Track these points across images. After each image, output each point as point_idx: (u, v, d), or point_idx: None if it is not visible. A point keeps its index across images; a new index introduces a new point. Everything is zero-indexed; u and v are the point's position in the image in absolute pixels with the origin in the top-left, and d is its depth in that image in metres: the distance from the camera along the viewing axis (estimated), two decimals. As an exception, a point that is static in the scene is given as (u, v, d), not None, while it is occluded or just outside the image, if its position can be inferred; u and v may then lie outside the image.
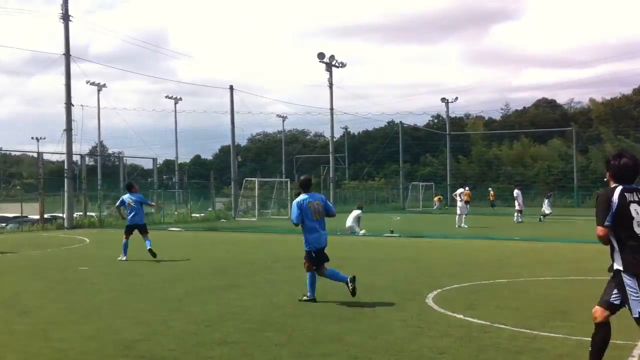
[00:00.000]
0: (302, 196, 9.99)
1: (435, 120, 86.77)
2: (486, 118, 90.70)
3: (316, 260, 9.90)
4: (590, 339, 5.58)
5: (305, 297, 9.82)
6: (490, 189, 32.75)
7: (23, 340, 7.31)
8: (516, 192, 33.31)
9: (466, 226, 28.36)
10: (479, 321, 8.18)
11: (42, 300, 10.00)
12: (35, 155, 35.71)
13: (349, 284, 9.61)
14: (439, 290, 10.64)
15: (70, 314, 8.81)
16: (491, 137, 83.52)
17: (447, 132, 68.41)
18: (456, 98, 67.93)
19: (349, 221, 24.90)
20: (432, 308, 9.14)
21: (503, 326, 7.88)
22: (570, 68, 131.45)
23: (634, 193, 5.34)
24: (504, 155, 79.37)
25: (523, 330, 7.67)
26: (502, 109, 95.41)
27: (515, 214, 32.65)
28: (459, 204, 29.79)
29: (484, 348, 6.83)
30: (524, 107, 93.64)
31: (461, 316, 8.50)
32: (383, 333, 7.56)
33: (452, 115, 72.29)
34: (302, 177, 10.84)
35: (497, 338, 7.28)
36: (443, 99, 66.96)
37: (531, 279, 12.06)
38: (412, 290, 10.76)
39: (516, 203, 32.86)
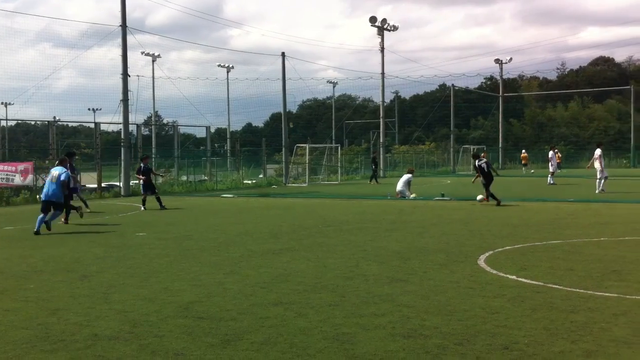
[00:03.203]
0: None
1: (488, 82, 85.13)
2: (541, 78, 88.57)
3: None
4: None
5: None
6: (556, 151, 32.24)
7: (85, 303, 7.59)
8: (551, 153, 32.80)
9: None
10: (532, 282, 8.15)
11: (102, 265, 10.36)
12: (92, 126, 36.52)
13: None
14: (490, 252, 10.61)
15: (129, 278, 9.11)
16: (546, 98, 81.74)
17: (500, 94, 67.14)
18: (510, 59, 66.67)
19: (400, 185, 24.86)
20: (484, 269, 9.14)
21: (556, 286, 7.85)
22: (630, 25, 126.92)
23: None
24: (558, 116, 77.67)
25: (577, 290, 7.62)
26: (557, 68, 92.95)
27: (549, 175, 32.17)
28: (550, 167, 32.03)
29: (537, 307, 6.83)
30: (580, 67, 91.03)
31: (514, 277, 8.48)
32: (435, 294, 7.61)
33: (506, 77, 70.84)
34: None
35: (551, 298, 7.25)
36: (497, 60, 65.74)
37: (585, 240, 11.90)
38: (464, 252, 10.75)
39: (550, 165, 32.43)
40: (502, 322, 6.29)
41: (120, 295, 7.96)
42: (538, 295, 7.40)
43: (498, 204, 19.87)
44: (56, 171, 15.84)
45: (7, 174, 27.16)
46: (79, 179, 21.57)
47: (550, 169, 32.58)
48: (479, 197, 20.79)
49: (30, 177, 27.69)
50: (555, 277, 8.39)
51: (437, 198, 23.47)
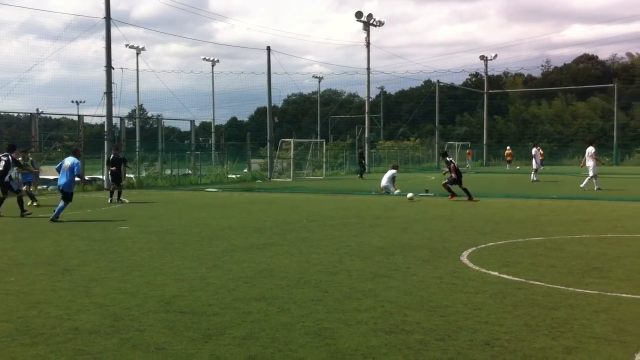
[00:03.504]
0: None
1: (473, 79, 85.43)
2: (525, 75, 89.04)
3: None
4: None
5: None
6: (539, 148, 32.39)
7: (66, 296, 7.53)
8: (534, 150, 33.09)
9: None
10: (514, 278, 8.20)
11: (84, 258, 10.28)
12: (75, 118, 36.24)
13: None
14: (473, 249, 10.66)
15: (111, 272, 9.05)
16: (530, 95, 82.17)
17: (485, 91, 67.41)
18: (495, 56, 66.83)
19: (384, 181, 24.91)
20: (467, 265, 9.18)
21: (538, 283, 7.90)
22: (614, 23, 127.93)
23: None
24: (542, 113, 78.15)
25: (558, 287, 7.67)
26: (542, 65, 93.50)
27: (532, 172, 32.46)
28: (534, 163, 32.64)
29: (519, 304, 6.87)
30: (565, 64, 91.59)
31: (496, 273, 8.53)
32: (418, 289, 7.63)
33: (491, 74, 71.09)
34: None
35: (532, 294, 7.30)
36: (482, 57, 65.87)
37: (567, 237, 11.99)
38: (447, 248, 10.79)
39: (533, 162, 32.76)
40: (483, 318, 6.33)
41: (101, 289, 7.91)
42: (519, 292, 7.44)
43: (452, 197, 20.98)
44: (69, 161, 16.21)
45: (-12, 166, 26.79)
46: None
47: (534, 166, 32.84)
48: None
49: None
50: (537, 274, 8.44)
51: (421, 194, 23.52)
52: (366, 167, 40.48)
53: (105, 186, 30.41)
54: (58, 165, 16.88)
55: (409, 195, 21.47)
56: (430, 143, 64.84)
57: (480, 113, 69.70)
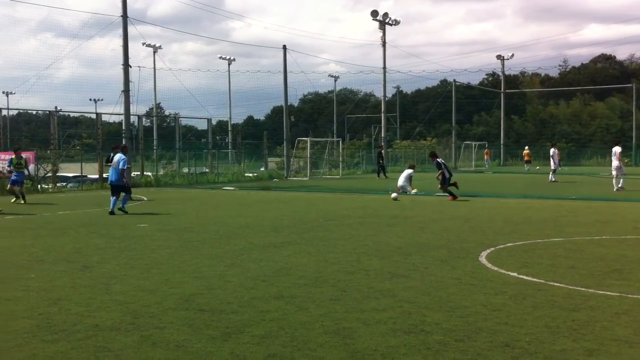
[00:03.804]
0: None
1: (490, 79, 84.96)
2: (542, 75, 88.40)
3: None
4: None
5: None
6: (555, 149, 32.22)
7: (86, 293, 7.59)
8: (552, 150, 32.84)
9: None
10: (534, 279, 8.15)
11: (103, 255, 10.36)
12: (93, 116, 36.54)
13: None
14: (492, 249, 10.61)
15: (130, 269, 9.11)
16: (548, 95, 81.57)
17: (502, 90, 67.04)
18: (512, 55, 66.48)
19: (401, 180, 24.85)
20: (486, 266, 9.13)
21: (558, 284, 7.84)
22: (632, 23, 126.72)
23: None
24: (560, 113, 77.53)
25: (578, 288, 7.61)
26: (559, 65, 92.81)
27: (550, 173, 32.23)
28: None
29: (539, 305, 6.82)
30: (582, 64, 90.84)
31: (515, 274, 8.48)
32: (436, 290, 7.61)
33: (508, 73, 70.68)
34: None
35: (552, 296, 7.25)
36: (498, 56, 65.53)
37: (586, 238, 11.89)
38: (465, 248, 10.75)
39: (551, 162, 32.53)
40: (503, 319, 6.29)
41: (121, 286, 7.96)
42: (539, 293, 7.40)
43: (441, 191, 21.49)
44: (117, 157, 17.44)
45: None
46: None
47: (552, 166, 32.61)
48: (394, 194, 21.70)
49: (31, 166, 27.66)
50: (557, 275, 8.39)
51: (438, 194, 23.43)
52: (383, 166, 40.39)
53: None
54: (107, 158, 18.69)
55: (393, 195, 21.44)
56: (447, 143, 64.56)
57: (497, 113, 69.35)
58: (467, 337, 5.70)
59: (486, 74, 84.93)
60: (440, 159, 22.34)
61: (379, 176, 38.70)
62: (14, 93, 58.37)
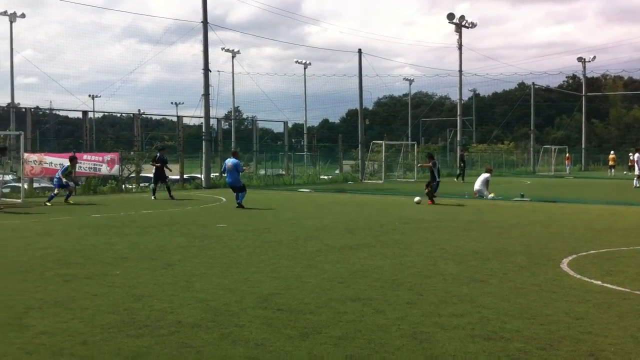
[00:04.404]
0: None
1: (570, 81, 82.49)
2: (626, 78, 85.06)
3: None
4: None
5: None
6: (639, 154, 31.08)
7: (168, 290, 7.82)
8: (637, 156, 31.50)
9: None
10: (619, 288, 7.88)
11: (184, 254, 10.65)
12: (174, 119, 37.57)
13: None
14: (574, 256, 10.31)
15: (210, 268, 9.33)
16: (632, 99, 78.53)
17: (583, 93, 64.97)
18: (594, 57, 64.28)
19: (477, 184, 24.47)
20: (567, 273, 8.88)
21: (645, 294, 7.55)
22: None
23: None
24: (646, 117, 74.47)
25: (667, 298, 7.31)
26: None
27: (635, 179, 30.96)
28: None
29: (625, 315, 6.59)
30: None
31: (599, 282, 8.21)
32: (516, 296, 7.46)
33: (589, 76, 68.41)
34: None
35: (639, 305, 6.99)
36: (579, 59, 63.56)
37: (676, 247, 11.39)
38: (545, 255, 10.48)
39: (636, 167, 31.21)
40: (587, 328, 6.11)
41: (202, 284, 8.16)
42: (625, 302, 7.14)
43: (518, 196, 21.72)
44: (230, 162, 19.72)
45: (94, 164, 28.23)
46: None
47: (637, 172, 31.38)
48: (417, 198, 21.42)
49: (116, 167, 28.72)
50: (644, 284, 8.08)
51: (516, 199, 22.96)
52: (464, 170, 39.95)
53: (204, 184, 31.40)
54: (222, 168, 21.28)
55: (416, 199, 21.06)
56: (525, 147, 63.07)
57: (577, 116, 67.23)
58: (549, 346, 5.56)
59: (566, 77, 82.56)
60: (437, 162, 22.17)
61: (457, 179, 38.30)
62: (100, 96, 60.64)
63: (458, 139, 49.95)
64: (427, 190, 21.29)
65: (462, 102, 52.11)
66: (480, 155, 57.39)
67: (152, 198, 23.24)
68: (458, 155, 42.90)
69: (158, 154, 24.49)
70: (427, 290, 7.78)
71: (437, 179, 21.37)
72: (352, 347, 5.54)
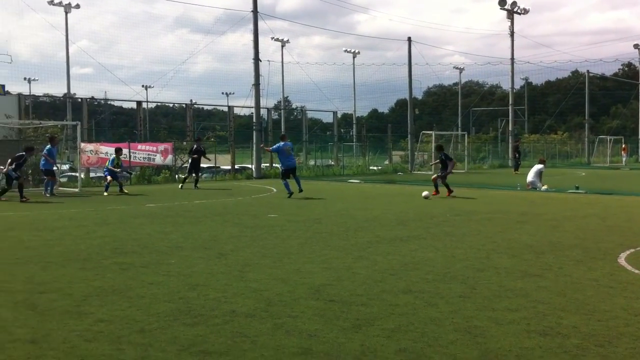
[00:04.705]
0: None
1: (626, 69, 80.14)
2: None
3: None
4: None
5: None
6: None
7: (222, 280, 7.94)
8: None
9: None
10: (680, 284, 7.66)
11: (237, 244, 10.78)
12: (225, 109, 38.01)
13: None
14: (632, 250, 10.05)
15: (262, 258, 9.42)
16: (693, 87, 75.83)
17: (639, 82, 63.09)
18: (651, 44, 62.15)
19: (530, 176, 24.06)
20: (625, 268, 8.67)
21: None
22: None
23: None
24: None
25: None
26: None
27: None
28: None
29: (686, 312, 6.41)
30: None
31: (659, 278, 8.00)
32: (572, 291, 7.32)
33: (647, 63, 66.26)
34: None
35: (701, 303, 6.79)
36: (635, 46, 61.64)
37: None
38: (602, 249, 10.25)
39: None
40: (646, 325, 5.97)
41: (255, 274, 8.26)
42: (687, 299, 6.94)
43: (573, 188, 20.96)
44: (287, 146, 20.59)
45: (148, 154, 28.78)
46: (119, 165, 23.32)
47: None
48: (544, 187, 21.23)
49: (169, 157, 29.22)
50: None
51: (570, 191, 22.50)
52: (519, 161, 39.31)
53: (254, 175, 31.70)
54: (276, 148, 21.04)
55: (424, 193, 20.03)
56: (579, 137, 61.68)
57: (634, 105, 65.32)
58: (607, 343, 5.45)
59: (622, 64, 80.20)
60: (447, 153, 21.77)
61: (516, 170, 37.63)
62: (153, 87, 61.83)
63: (510, 128, 49.17)
64: (436, 179, 21.00)
65: (514, 90, 51.23)
66: (532, 146, 56.36)
67: (194, 187, 23.69)
68: (512, 146, 42.19)
69: (195, 145, 24.88)
70: (480, 284, 7.70)
71: (448, 169, 21.00)
72: (405, 340, 5.53)
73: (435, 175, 21.20)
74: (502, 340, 5.52)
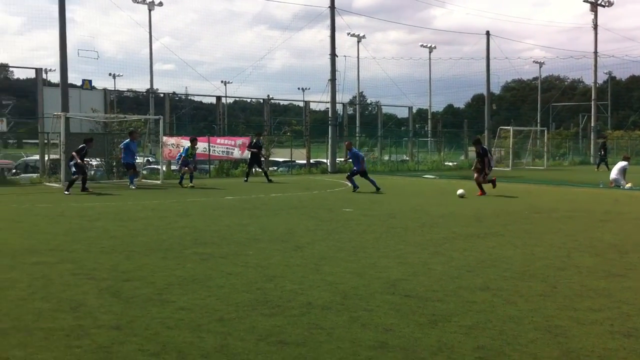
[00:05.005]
0: None
1: None
2: None
3: None
4: None
5: None
6: None
7: (298, 272, 8.03)
8: None
9: None
10: None
11: (313, 237, 10.88)
12: (301, 104, 38.33)
13: None
14: None
15: (338, 251, 9.48)
16: None
17: None
18: None
19: (614, 173, 23.26)
20: None
21: None
22: None
23: None
24: None
25: None
26: None
27: None
28: None
29: None
30: None
31: None
32: (658, 292, 7.06)
33: None
34: None
35: None
36: None
37: None
38: (692, 250, 9.81)
39: None
40: None
41: (330, 267, 8.32)
42: None
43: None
44: (361, 154, 21.15)
45: (227, 148, 29.36)
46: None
47: None
48: (628, 185, 20.66)
49: (247, 151, 29.70)
50: None
51: (657, 189, 21.60)
52: (605, 158, 38.07)
53: (330, 169, 31.87)
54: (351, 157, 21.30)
55: (460, 192, 18.66)
56: (667, 133, 59.00)
57: None
58: (697, 346, 5.24)
59: None
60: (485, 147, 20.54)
61: (598, 168, 36.55)
62: (232, 82, 63.05)
63: (592, 124, 47.59)
64: (478, 177, 19.49)
65: (597, 85, 49.53)
66: (616, 143, 54.34)
67: (244, 180, 24.28)
68: (600, 142, 40.85)
69: (254, 140, 25.23)
70: (561, 283, 7.52)
71: (491, 165, 19.72)
72: (483, 338, 5.46)
73: (477, 175, 19.57)
74: (585, 341, 5.38)
